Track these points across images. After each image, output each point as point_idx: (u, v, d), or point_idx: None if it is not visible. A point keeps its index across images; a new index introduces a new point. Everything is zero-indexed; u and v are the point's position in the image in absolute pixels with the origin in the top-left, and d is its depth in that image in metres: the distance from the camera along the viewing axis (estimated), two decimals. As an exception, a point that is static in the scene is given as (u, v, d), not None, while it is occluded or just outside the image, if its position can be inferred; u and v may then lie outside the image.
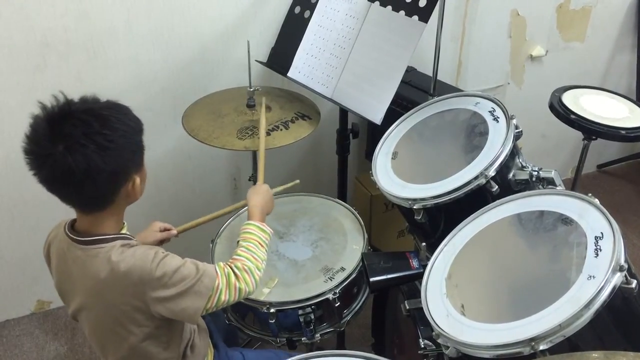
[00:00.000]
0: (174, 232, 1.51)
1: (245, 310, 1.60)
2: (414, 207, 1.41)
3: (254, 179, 2.07)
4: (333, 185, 2.32)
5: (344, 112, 2.09)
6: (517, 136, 1.41)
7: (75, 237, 1.17)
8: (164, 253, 1.17)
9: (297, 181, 1.69)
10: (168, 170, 2.22)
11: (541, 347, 0.97)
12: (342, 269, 1.57)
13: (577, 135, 1.91)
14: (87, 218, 1.17)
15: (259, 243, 1.33)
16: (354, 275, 1.56)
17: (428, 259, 1.33)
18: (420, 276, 1.31)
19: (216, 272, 1.20)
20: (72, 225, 1.20)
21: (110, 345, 1.24)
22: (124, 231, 1.23)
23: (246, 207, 1.65)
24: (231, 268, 1.23)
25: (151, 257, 1.14)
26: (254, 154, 2.03)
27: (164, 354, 1.26)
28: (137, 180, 1.17)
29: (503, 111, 1.47)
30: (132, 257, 1.13)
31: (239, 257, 1.27)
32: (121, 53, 1.96)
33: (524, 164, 1.43)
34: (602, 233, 1.08)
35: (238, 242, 1.33)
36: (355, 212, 1.76)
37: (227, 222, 1.75)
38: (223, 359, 1.47)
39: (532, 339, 0.98)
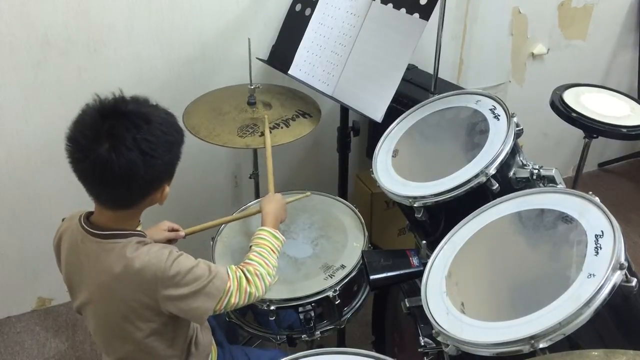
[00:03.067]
0: (182, 233, 1.52)
1: (245, 308, 1.60)
2: (415, 205, 1.41)
3: (255, 176, 2.07)
4: (334, 183, 2.32)
5: (344, 110, 2.09)
6: (518, 134, 1.41)
7: (91, 230, 1.17)
8: (178, 252, 1.18)
9: (309, 193, 1.70)
10: (169, 167, 2.22)
11: (541, 345, 0.97)
12: (343, 266, 1.57)
13: (579, 133, 1.90)
14: (108, 213, 1.17)
15: (271, 249, 1.34)
16: (354, 273, 1.56)
17: (428, 257, 1.33)
18: (420, 274, 1.31)
19: (228, 274, 1.21)
20: (87, 218, 1.21)
21: (115, 341, 1.24)
22: (139, 229, 1.24)
23: (254, 212, 1.65)
24: (243, 272, 1.24)
25: (166, 256, 1.14)
26: (255, 152, 2.03)
27: (168, 351, 1.26)
28: (167, 189, 1.20)
29: (504, 109, 1.47)
30: (147, 254, 1.14)
31: (251, 261, 1.28)
32: (122, 50, 1.96)
33: (524, 162, 1.43)
34: (602, 231, 1.08)
35: (250, 246, 1.35)
36: (356, 210, 1.76)
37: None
38: (227, 357, 1.47)
39: (532, 337, 0.98)
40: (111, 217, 1.18)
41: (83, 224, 1.19)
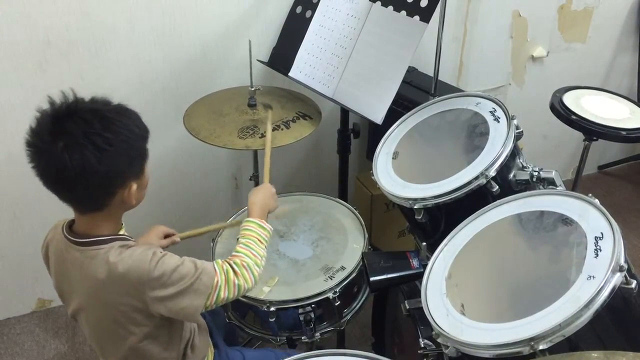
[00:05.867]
0: (177, 239, 1.51)
1: (245, 309, 1.61)
2: (415, 207, 1.41)
3: (255, 178, 2.08)
4: (334, 184, 2.32)
5: (345, 112, 2.09)
6: (518, 136, 1.41)
7: (73, 239, 1.17)
8: (162, 252, 1.16)
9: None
10: (169, 169, 2.23)
11: (541, 347, 0.97)
12: (343, 268, 1.57)
13: (578, 136, 1.91)
14: (84, 219, 1.17)
15: (258, 240, 1.31)
16: (354, 275, 1.56)
17: (428, 258, 1.34)
18: (420, 276, 1.31)
19: (215, 269, 1.20)
20: (70, 226, 1.20)
21: (109, 346, 1.24)
22: (121, 232, 1.23)
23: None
24: (230, 265, 1.23)
25: (149, 257, 1.13)
26: (255, 154, 2.03)
27: (163, 354, 1.26)
28: (134, 187, 1.15)
29: (504, 111, 1.47)
30: (130, 257, 1.13)
31: (238, 253, 1.27)
32: (123, 52, 1.96)
33: (524, 165, 1.43)
34: (602, 233, 1.08)
35: (238, 239, 1.33)
36: (356, 212, 1.76)
37: (228, 221, 1.75)
38: (223, 358, 1.47)
39: (531, 339, 0.98)
40: (88, 221, 1.16)
41: (65, 233, 1.18)
